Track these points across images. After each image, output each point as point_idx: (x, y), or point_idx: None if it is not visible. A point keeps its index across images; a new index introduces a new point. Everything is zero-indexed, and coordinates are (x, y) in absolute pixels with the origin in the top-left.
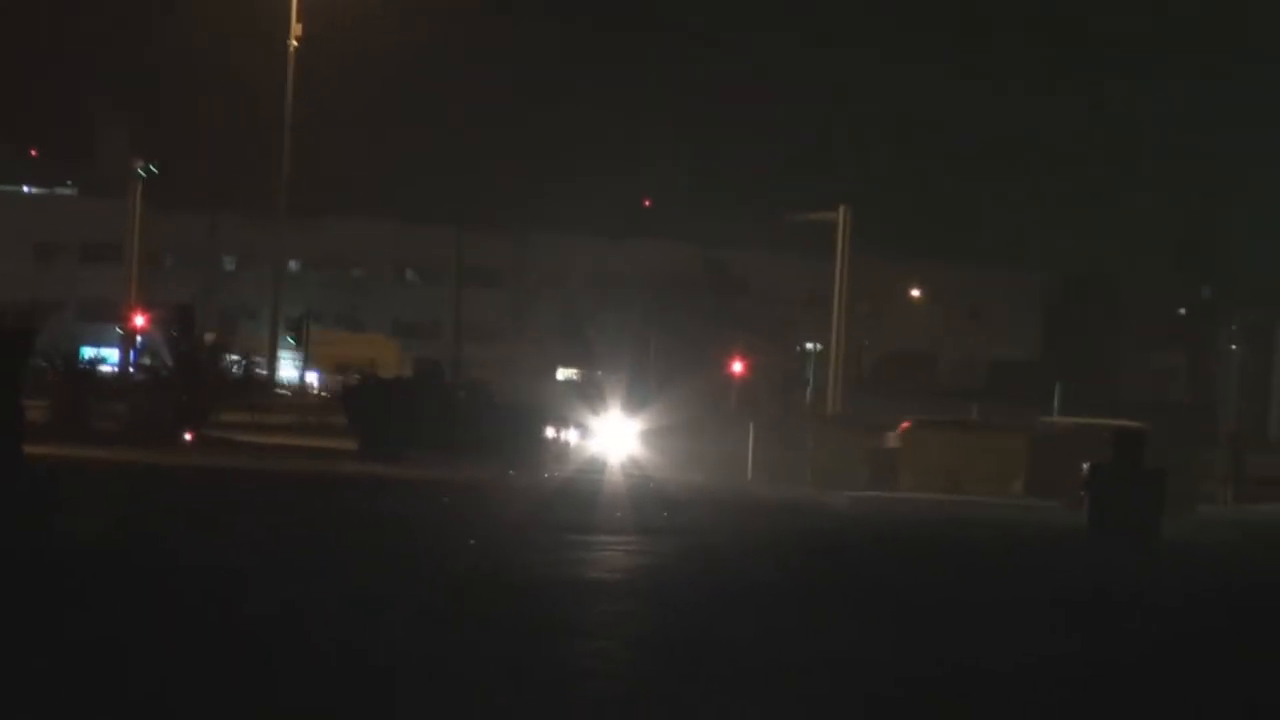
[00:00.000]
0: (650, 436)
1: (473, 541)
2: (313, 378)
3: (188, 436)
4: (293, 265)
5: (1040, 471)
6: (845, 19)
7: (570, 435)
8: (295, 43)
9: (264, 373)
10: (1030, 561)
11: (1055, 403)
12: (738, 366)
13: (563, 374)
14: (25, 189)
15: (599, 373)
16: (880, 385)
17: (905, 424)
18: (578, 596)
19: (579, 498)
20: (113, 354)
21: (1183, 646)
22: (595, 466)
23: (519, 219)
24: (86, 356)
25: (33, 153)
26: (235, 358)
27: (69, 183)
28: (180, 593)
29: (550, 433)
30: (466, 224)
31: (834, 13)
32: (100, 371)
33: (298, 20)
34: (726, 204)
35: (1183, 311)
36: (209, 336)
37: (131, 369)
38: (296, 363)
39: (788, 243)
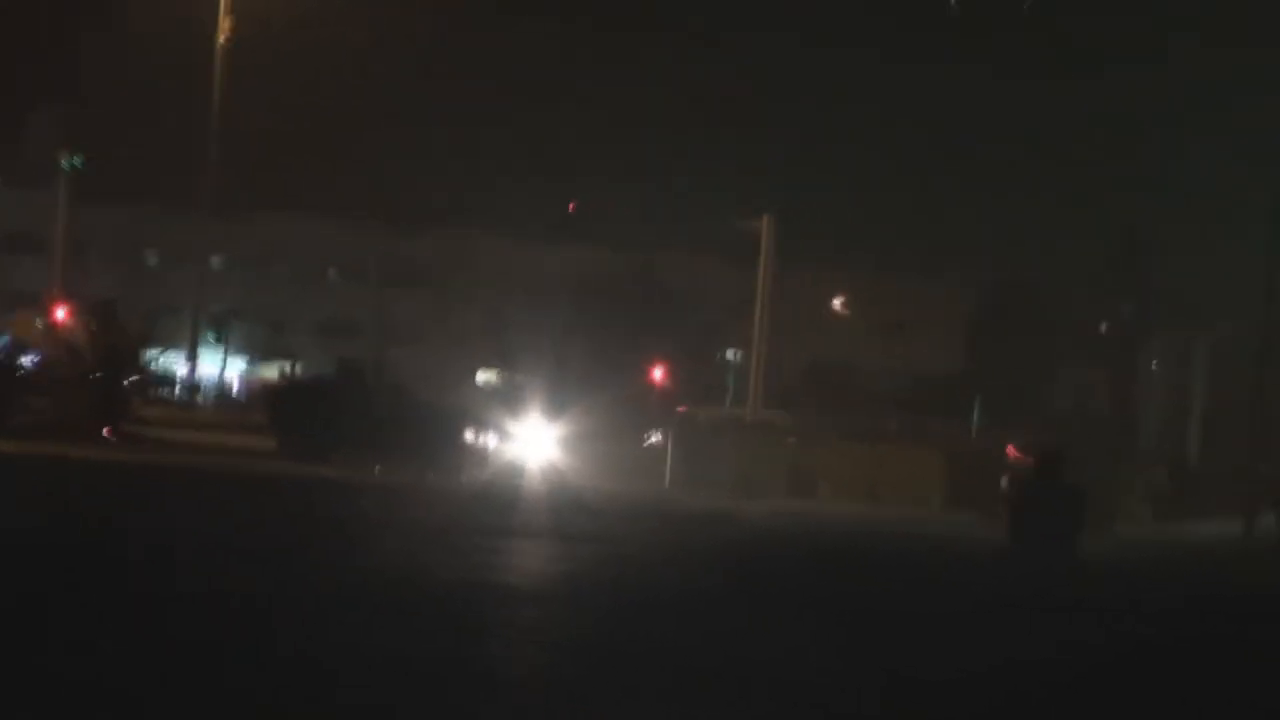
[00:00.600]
0: (570, 442)
1: (388, 543)
2: (233, 376)
3: (107, 432)
4: (217, 262)
5: (958, 485)
6: (845, 20)
7: (490, 439)
8: (224, 38)
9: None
10: (948, 572)
11: (975, 416)
12: (658, 373)
13: (483, 376)
14: None
15: (519, 376)
16: (802, 396)
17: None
18: (495, 600)
19: (497, 502)
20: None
21: (1102, 654)
22: (514, 471)
23: (450, 219)
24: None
25: None
26: (155, 351)
27: None
28: (115, 582)
29: (470, 436)
30: (393, 222)
31: (833, 13)
32: (22, 364)
33: (227, 14)
34: (671, 208)
35: (1104, 328)
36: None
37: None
38: (217, 360)
39: (725, 249)
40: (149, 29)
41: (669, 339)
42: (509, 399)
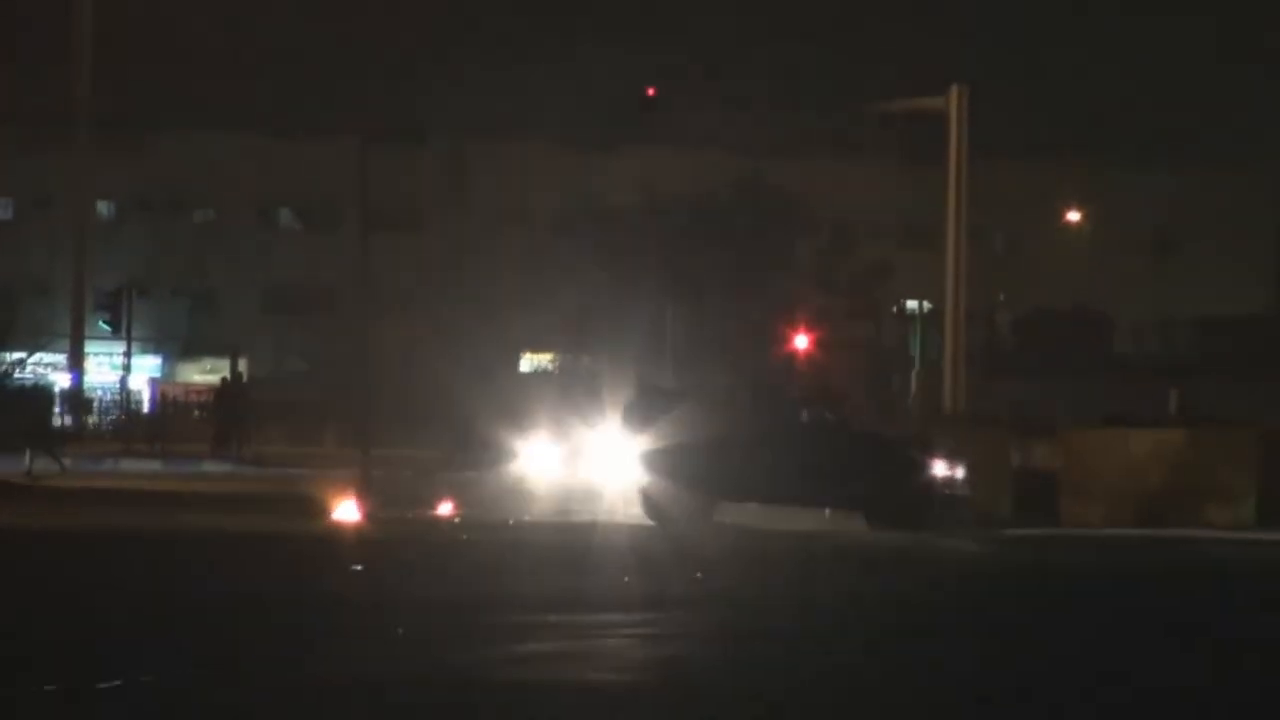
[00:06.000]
0: (670, 456)
1: (402, 630)
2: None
3: None
4: (106, 209)
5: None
6: None
7: (547, 452)
8: None
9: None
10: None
11: None
12: (802, 341)
13: (530, 361)
14: None
15: (586, 359)
16: (1028, 362)
17: None
18: (573, 708)
19: (559, 554)
20: None
21: None
22: (582, 503)
23: (450, 126)
24: None
25: None
26: (18, 357)
27: None
28: None
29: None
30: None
31: None
32: None
33: None
34: (768, 99)
35: None
36: None
37: None
38: (116, 362)
39: (866, 151)
40: None
41: (810, 286)
42: (573, 394)
